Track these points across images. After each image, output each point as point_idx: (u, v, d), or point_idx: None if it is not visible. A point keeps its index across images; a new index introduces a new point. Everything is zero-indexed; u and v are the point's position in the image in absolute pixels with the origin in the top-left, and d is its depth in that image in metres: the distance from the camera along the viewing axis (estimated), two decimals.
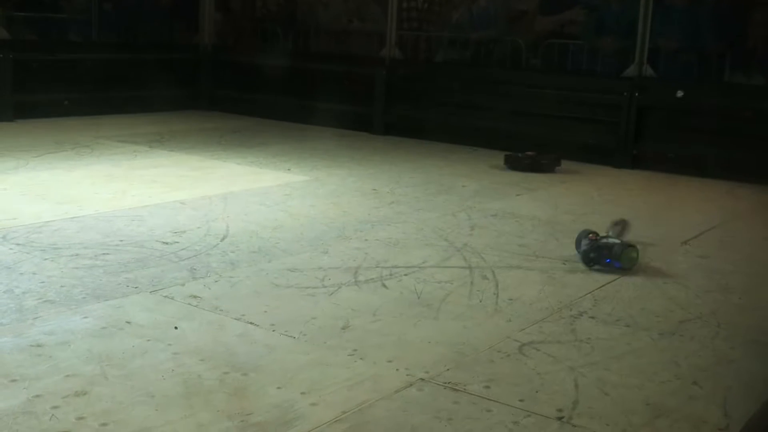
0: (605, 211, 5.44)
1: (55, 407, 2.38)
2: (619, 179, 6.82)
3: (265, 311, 3.28)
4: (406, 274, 3.85)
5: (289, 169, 6.42)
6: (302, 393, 2.55)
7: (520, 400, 2.55)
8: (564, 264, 4.14)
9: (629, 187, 6.47)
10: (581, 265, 4.09)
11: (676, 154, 7.20)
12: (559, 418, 2.44)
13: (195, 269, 3.78)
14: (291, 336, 3.04)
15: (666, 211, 5.58)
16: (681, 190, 6.46)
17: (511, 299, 3.56)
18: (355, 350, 2.93)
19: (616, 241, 4.10)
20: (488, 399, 2.55)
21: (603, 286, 3.81)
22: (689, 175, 6.97)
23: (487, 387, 2.64)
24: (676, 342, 3.15)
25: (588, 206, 5.60)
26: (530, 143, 7.28)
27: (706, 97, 7.21)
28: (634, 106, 7.28)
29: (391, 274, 3.84)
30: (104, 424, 2.30)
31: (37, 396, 2.45)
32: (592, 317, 3.38)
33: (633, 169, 7.24)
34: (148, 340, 2.92)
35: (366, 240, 4.45)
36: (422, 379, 2.69)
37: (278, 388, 2.58)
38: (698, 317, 3.44)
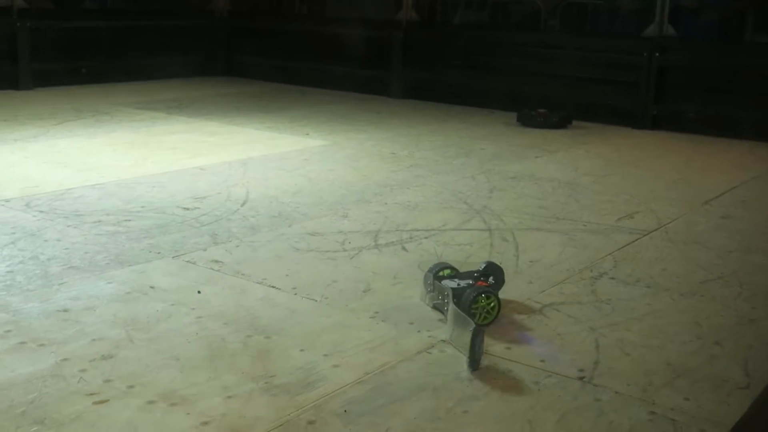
0: (625, 172, 5.41)
1: (83, 370, 2.42)
2: (639, 140, 6.76)
3: (287, 275, 3.30)
4: (426, 237, 3.85)
5: (307, 134, 6.41)
6: (324, 355, 2.57)
7: (541, 361, 2.56)
8: (584, 226, 4.12)
9: (650, 148, 6.41)
10: (602, 227, 4.07)
11: (697, 114, 7.12)
12: (581, 378, 2.45)
13: (216, 234, 3.80)
14: (313, 299, 3.06)
15: (687, 172, 5.53)
16: (702, 151, 6.39)
17: (531, 261, 3.56)
18: (377, 313, 2.94)
19: (468, 282, 2.91)
20: (509, 360, 2.56)
21: (623, 247, 3.79)
22: (710, 135, 6.89)
23: (509, 348, 2.65)
24: (697, 302, 3.14)
25: (608, 168, 5.55)
26: (549, 105, 7.22)
27: (728, 56, 7.09)
28: (655, 67, 7.18)
29: (411, 237, 3.84)
30: (131, 387, 2.33)
31: (65, 360, 2.49)
32: (613, 278, 3.37)
33: (653, 130, 7.17)
34: (172, 305, 2.95)
35: (385, 203, 4.44)
36: (443, 341, 2.70)
37: (301, 350, 2.61)
38: (720, 277, 3.42)
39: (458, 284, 2.89)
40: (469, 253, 3.63)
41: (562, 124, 7.05)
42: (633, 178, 5.25)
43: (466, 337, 2.48)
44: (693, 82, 7.23)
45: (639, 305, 3.08)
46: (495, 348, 2.64)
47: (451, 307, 2.75)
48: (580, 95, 7.54)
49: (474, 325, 2.50)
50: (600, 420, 2.20)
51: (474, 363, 2.47)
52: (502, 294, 2.99)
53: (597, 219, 4.23)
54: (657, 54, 7.16)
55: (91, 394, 2.28)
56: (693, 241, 3.92)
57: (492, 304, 2.83)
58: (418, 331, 2.79)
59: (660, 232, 4.05)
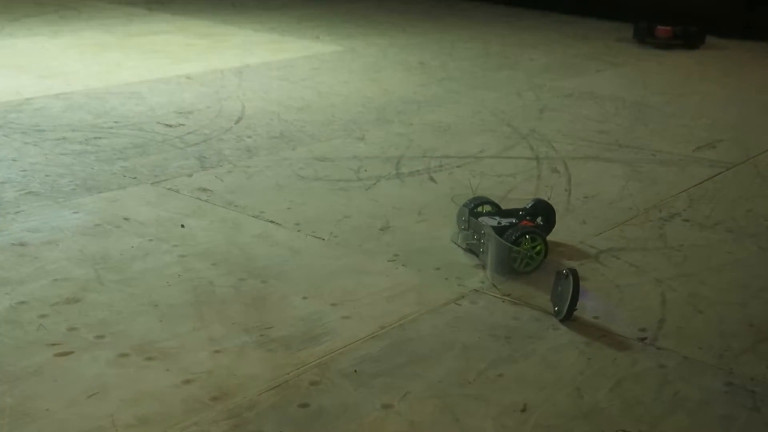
0: (707, 91, 5.32)
1: (42, 316, 2.44)
2: (725, 52, 6.63)
3: (289, 208, 3.30)
4: (458, 166, 3.82)
5: (317, 37, 6.35)
6: (332, 304, 2.58)
7: (595, 318, 2.55)
8: (653, 155, 4.08)
9: (738, 62, 6.29)
10: (675, 157, 4.02)
11: None
12: (641, 339, 2.45)
13: (204, 157, 3.80)
14: (319, 237, 3.06)
15: None
16: None
17: (586, 197, 3.53)
18: (397, 255, 2.94)
19: (510, 221, 2.91)
20: (554, 315, 2.56)
21: (701, 182, 3.75)
22: None
23: None
24: None
25: (686, 86, 5.47)
26: (619, 8, 7.08)
27: None
28: None
29: (440, 166, 3.82)
30: (100, 337, 2.35)
31: (22, 303, 2.51)
32: (686, 220, 3.34)
33: (744, 40, 7.03)
34: (150, 240, 2.96)
35: (411, 124, 4.41)
36: (476, 291, 2.70)
37: (304, 298, 2.62)
38: None
39: (499, 222, 2.89)
40: (511, 186, 3.61)
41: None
42: (716, 98, 5.17)
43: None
44: None
45: (717, 253, 3.06)
46: (538, 301, 2.64)
47: (495, 240, 2.76)
48: None
49: (566, 269, 2.50)
50: (664, 390, 2.20)
51: (568, 312, 2.49)
52: (551, 236, 2.97)
53: (669, 147, 4.17)
54: None
55: (53, 345, 2.31)
56: None
57: (538, 248, 2.83)
58: (446, 279, 2.79)
59: (747, 165, 4.00)
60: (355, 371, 2.23)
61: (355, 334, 2.41)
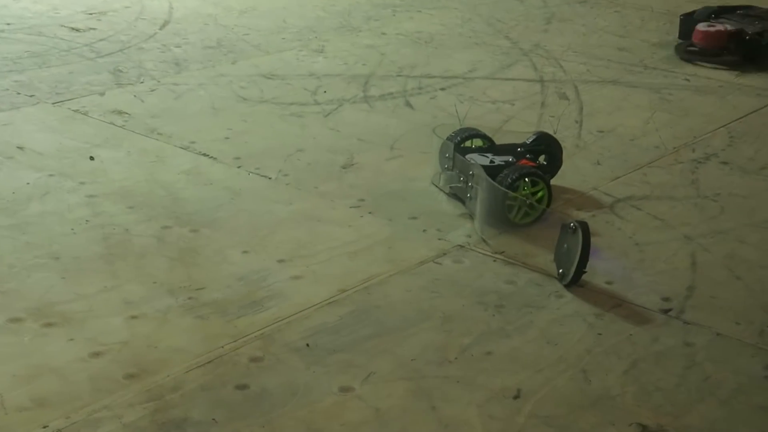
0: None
1: None
2: None
3: (227, 137, 3.28)
4: (443, 88, 3.81)
5: None
6: (280, 261, 2.58)
7: (608, 283, 2.57)
8: (686, 80, 4.09)
9: None
10: (714, 83, 4.03)
11: None
12: (665, 311, 2.47)
13: (121, 71, 3.77)
14: (265, 176, 3.04)
15: None
16: None
17: (601, 131, 3.54)
18: (362, 200, 2.94)
19: (506, 160, 2.91)
20: (558, 278, 2.57)
21: (745, 116, 3.77)
22: None
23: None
24: None
25: None
26: None
27: None
28: None
29: (419, 88, 3.81)
30: None
31: None
32: (725, 163, 3.36)
33: None
34: (51, 176, 2.94)
35: (384, 34, 4.39)
36: (461, 246, 2.71)
37: (244, 252, 2.61)
38: None
39: (492, 161, 2.88)
40: (508, 114, 3.61)
41: None
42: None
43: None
44: None
45: (762, 205, 3.08)
46: (538, 261, 2.65)
47: (486, 182, 2.74)
48: None
49: (573, 222, 2.50)
50: (690, 374, 2.22)
51: (576, 275, 2.50)
52: (556, 179, 2.97)
53: (707, 71, 4.18)
54: None
55: None
56: None
57: (540, 194, 2.83)
58: (424, 231, 2.79)
59: None
60: (307, 345, 2.23)
61: (308, 299, 2.41)
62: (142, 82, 3.66)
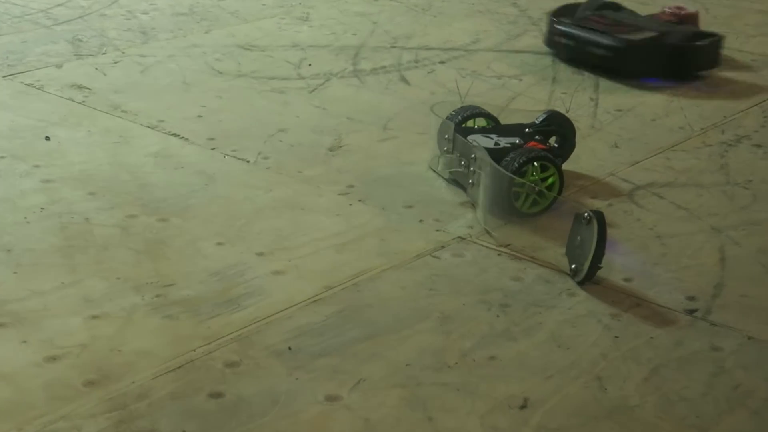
0: None
1: None
2: None
3: (200, 116, 3.28)
4: (442, 61, 3.82)
5: None
6: (259, 254, 2.58)
7: (626, 280, 2.57)
8: None
9: None
10: (747, 56, 4.03)
11: None
12: (690, 312, 2.47)
13: (80, 40, 3.76)
14: (243, 159, 3.05)
15: None
16: None
17: (619, 110, 3.54)
18: (351, 187, 2.94)
19: (515, 141, 2.93)
20: (570, 275, 2.58)
21: None
22: None
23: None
24: None
25: None
26: None
27: None
28: None
29: (416, 61, 3.81)
30: None
31: None
32: (758, 145, 3.37)
33: None
34: (1, 158, 2.95)
35: (376, 0, 4.38)
36: (462, 239, 2.71)
37: (219, 244, 2.62)
38: None
39: (496, 143, 2.88)
40: (516, 91, 3.61)
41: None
42: None
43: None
44: None
45: None
46: (548, 255, 2.66)
47: (490, 167, 2.75)
48: None
49: (588, 212, 2.50)
50: (718, 382, 2.23)
51: (590, 271, 2.51)
52: (568, 164, 2.98)
53: (739, 43, 4.18)
54: None
55: None
56: None
57: (550, 180, 2.84)
58: (420, 221, 2.80)
59: None
60: (290, 348, 2.24)
61: (291, 297, 2.42)
62: (104, 53, 3.66)
